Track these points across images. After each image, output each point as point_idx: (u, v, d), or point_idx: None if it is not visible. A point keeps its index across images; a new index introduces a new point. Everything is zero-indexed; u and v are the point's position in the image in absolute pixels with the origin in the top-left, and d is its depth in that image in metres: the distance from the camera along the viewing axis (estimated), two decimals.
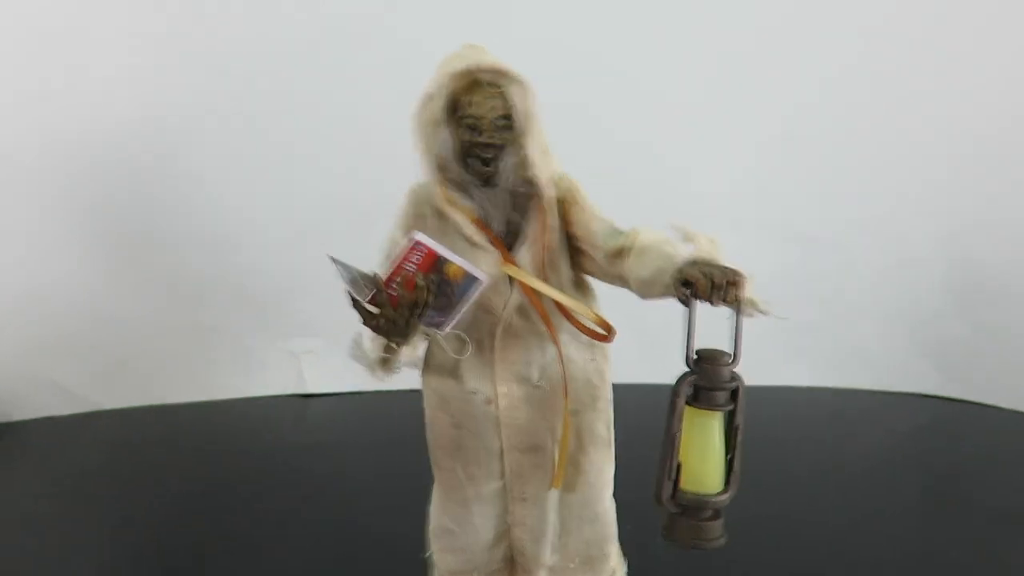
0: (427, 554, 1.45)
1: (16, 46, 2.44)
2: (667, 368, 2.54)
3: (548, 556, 1.37)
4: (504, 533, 1.39)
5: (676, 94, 2.61)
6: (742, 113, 2.62)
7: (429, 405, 1.34)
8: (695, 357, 1.10)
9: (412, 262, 1.14)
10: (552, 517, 1.36)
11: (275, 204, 2.67)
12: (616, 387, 1.38)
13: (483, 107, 1.18)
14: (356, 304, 1.14)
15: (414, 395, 1.38)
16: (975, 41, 2.52)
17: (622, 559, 1.46)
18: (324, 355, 2.77)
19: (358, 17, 2.53)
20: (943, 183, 2.65)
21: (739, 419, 1.12)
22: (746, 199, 2.69)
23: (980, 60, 2.53)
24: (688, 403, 1.10)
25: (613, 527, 1.41)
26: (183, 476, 2.31)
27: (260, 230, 2.68)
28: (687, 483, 1.11)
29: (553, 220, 1.25)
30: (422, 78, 1.23)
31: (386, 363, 1.25)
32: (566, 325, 1.29)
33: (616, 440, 1.39)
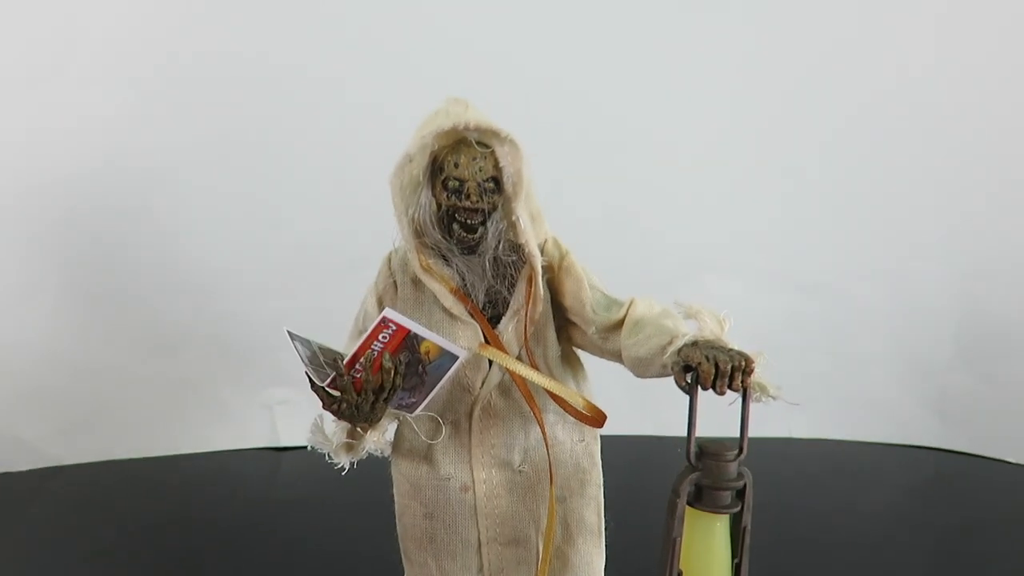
0: None
1: None
2: (660, 418, 2.42)
3: None
4: None
5: (680, 141, 2.52)
6: (747, 159, 2.53)
7: (399, 493, 1.21)
8: (697, 450, 0.97)
9: (380, 340, 1.02)
10: None
11: (249, 254, 2.56)
12: (604, 439, 1.25)
13: (469, 169, 1.05)
14: (315, 387, 1.01)
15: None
16: (987, 86, 2.44)
17: None
18: (298, 406, 2.63)
19: (336, 66, 2.43)
20: (953, 232, 2.56)
21: (746, 520, 0.99)
22: (750, 247, 2.59)
23: (993, 105, 2.44)
24: (689, 504, 0.97)
25: None
26: (147, 533, 2.17)
27: (233, 279, 2.56)
28: None
29: (541, 291, 1.13)
30: (405, 126, 1.11)
31: (350, 448, 1.11)
32: (552, 403, 1.16)
33: (607, 527, 1.26)
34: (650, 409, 2.55)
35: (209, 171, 2.49)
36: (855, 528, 2.17)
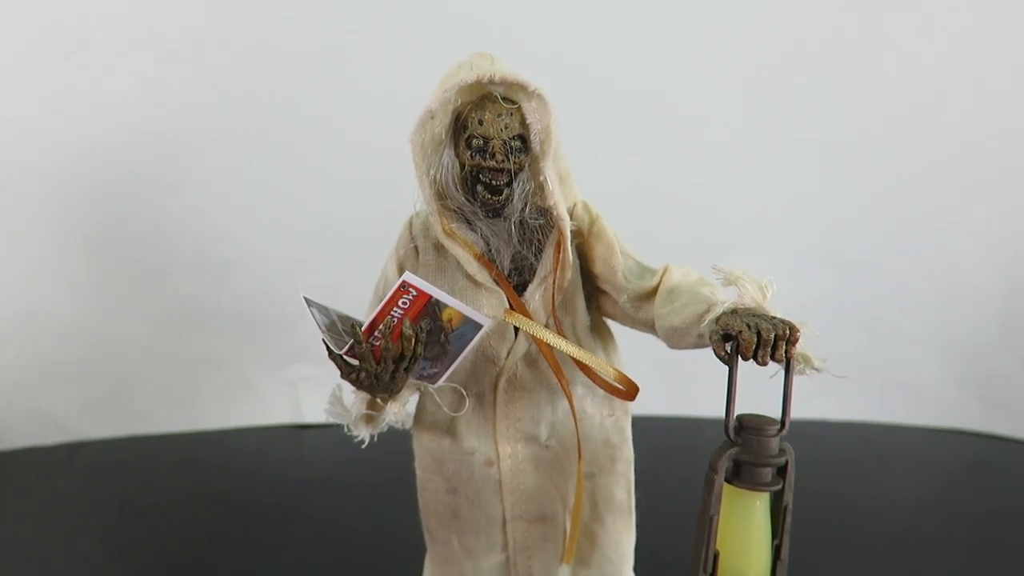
0: None
1: (12, 66, 2.33)
2: (689, 398, 2.35)
3: None
4: None
5: (709, 113, 2.44)
6: (782, 132, 2.45)
7: (421, 467, 1.16)
8: (736, 425, 0.91)
9: (400, 306, 0.96)
10: None
11: (274, 229, 2.52)
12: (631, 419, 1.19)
13: (494, 126, 0.99)
14: (333, 356, 0.96)
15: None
16: None
17: None
18: (323, 383, 2.60)
19: (357, 39, 2.38)
20: (996, 208, 2.45)
21: (788, 499, 0.93)
22: (783, 222, 2.51)
23: None
24: (728, 481, 0.91)
25: None
26: (170, 508, 2.16)
27: (259, 255, 2.53)
28: (726, 575, 0.92)
29: (570, 257, 1.06)
30: (424, 95, 1.04)
31: (370, 420, 1.07)
32: (581, 375, 1.10)
33: (637, 505, 1.21)
34: (680, 388, 2.49)
35: (234, 146, 2.45)
36: (890, 514, 2.10)
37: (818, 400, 2.61)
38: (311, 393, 2.67)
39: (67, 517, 2.16)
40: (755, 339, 0.86)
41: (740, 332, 0.86)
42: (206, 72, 2.40)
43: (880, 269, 2.58)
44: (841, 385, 2.61)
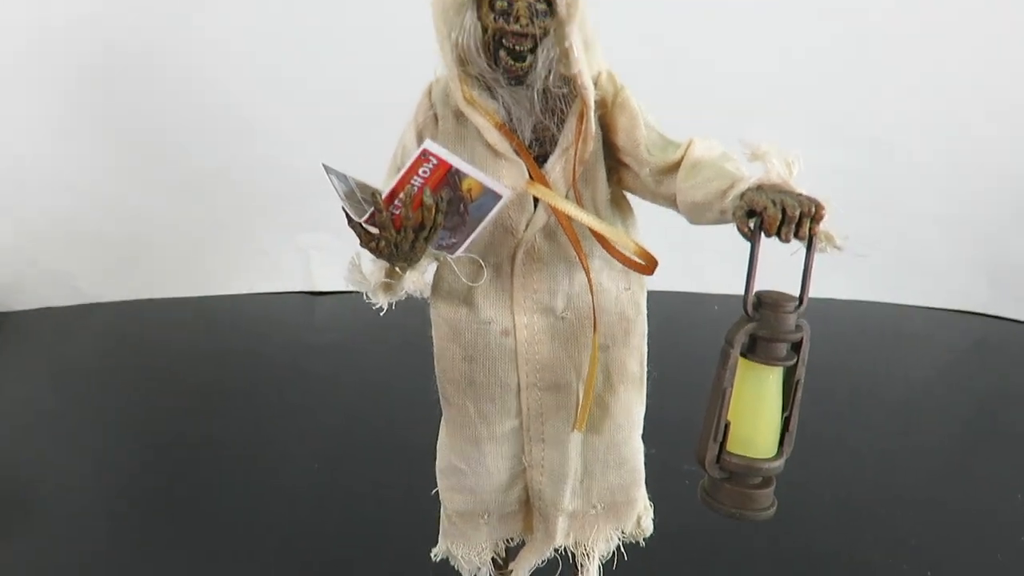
0: (435, 491, 1.32)
1: None
2: (699, 274, 2.36)
3: (569, 500, 1.24)
4: (520, 474, 1.25)
5: None
6: (797, 3, 2.35)
7: (438, 335, 1.17)
8: (755, 301, 0.92)
9: (420, 175, 0.95)
10: (574, 460, 1.21)
11: (289, 97, 2.49)
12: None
13: None
14: (352, 223, 0.96)
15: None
16: None
17: (648, 504, 1.32)
18: (334, 252, 2.62)
19: None
20: (1017, 87, 2.38)
21: (801, 374, 0.95)
22: (797, 98, 2.44)
23: None
24: (743, 355, 0.93)
25: (641, 471, 1.27)
26: (181, 371, 2.22)
27: (271, 124, 2.50)
28: (735, 445, 0.95)
29: (593, 128, 1.03)
30: None
31: (388, 288, 1.07)
32: (598, 249, 1.10)
33: (649, 376, 1.23)
34: (693, 267, 2.49)
35: (246, 13, 2.38)
36: (895, 390, 2.15)
37: (828, 279, 2.62)
38: (323, 261, 2.69)
39: (80, 375, 2.23)
40: (780, 215, 0.85)
41: (765, 208, 0.85)
42: None
43: (894, 148, 2.53)
44: (851, 264, 2.61)
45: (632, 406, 1.21)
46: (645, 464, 1.28)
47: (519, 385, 1.16)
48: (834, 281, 2.66)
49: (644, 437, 1.26)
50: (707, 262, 2.44)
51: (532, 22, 0.96)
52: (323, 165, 0.96)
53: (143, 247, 2.67)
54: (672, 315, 2.38)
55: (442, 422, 1.26)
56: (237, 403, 2.05)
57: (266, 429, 1.91)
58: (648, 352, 1.21)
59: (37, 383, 2.19)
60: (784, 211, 0.85)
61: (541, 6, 0.96)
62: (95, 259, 2.65)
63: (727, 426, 0.94)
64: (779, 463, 0.95)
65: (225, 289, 2.71)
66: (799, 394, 0.96)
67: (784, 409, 0.96)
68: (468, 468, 1.23)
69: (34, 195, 2.53)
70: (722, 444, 0.95)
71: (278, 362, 2.27)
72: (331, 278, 2.70)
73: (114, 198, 2.59)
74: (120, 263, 2.67)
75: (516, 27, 0.96)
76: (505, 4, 0.96)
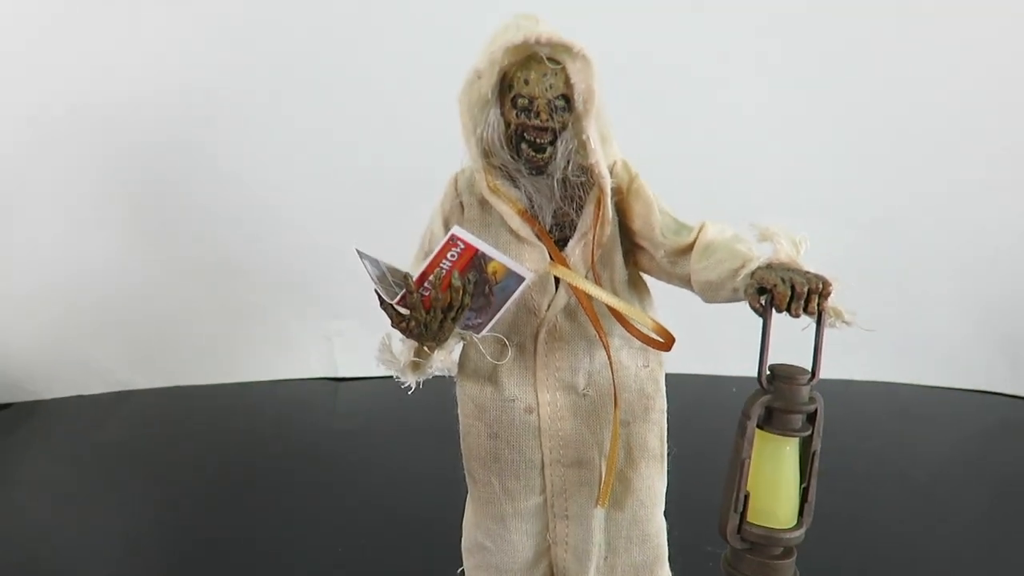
0: (460, 570, 1.33)
1: (53, 25, 2.37)
2: (716, 357, 2.39)
3: None
4: (544, 552, 1.27)
5: (738, 79, 2.45)
6: (807, 92, 2.45)
7: (464, 413, 1.21)
8: (769, 374, 0.96)
9: (448, 259, 1.01)
10: (598, 536, 1.22)
11: (313, 185, 2.58)
12: None
13: (539, 86, 1.02)
14: (384, 305, 1.01)
15: (450, 381, 1.25)
16: None
17: None
18: (356, 338, 2.67)
19: None
20: None
21: (816, 445, 0.98)
22: (811, 180, 2.52)
23: None
24: (759, 426, 0.96)
25: (664, 549, 1.28)
26: (210, 457, 2.25)
27: (296, 212, 2.59)
28: (756, 516, 0.97)
29: (610, 213, 1.10)
30: (468, 55, 1.08)
31: (417, 367, 1.12)
32: (618, 328, 1.15)
33: (670, 452, 1.26)
34: (704, 348, 2.52)
35: (272, 103, 2.51)
36: (915, 469, 2.14)
37: (845, 359, 2.64)
38: (345, 347, 2.74)
39: (112, 462, 2.26)
40: (789, 292, 0.90)
41: (775, 285, 0.91)
42: (244, 30, 2.44)
43: (907, 228, 2.58)
44: (867, 345, 2.64)
45: (654, 482, 1.23)
46: (668, 543, 1.29)
47: (543, 461, 1.20)
48: (853, 362, 2.68)
49: (667, 517, 1.27)
50: (724, 345, 2.48)
51: (551, 117, 1.04)
52: (356, 250, 1.02)
53: (170, 335, 2.74)
54: (690, 397, 2.39)
55: (468, 500, 1.28)
56: (263, 488, 2.07)
57: (292, 513, 1.93)
58: (668, 431, 1.24)
59: (70, 469, 2.23)
60: (793, 287, 0.90)
61: (560, 102, 1.04)
62: (125, 348, 2.72)
63: (747, 497, 0.97)
64: (799, 533, 0.98)
65: (251, 376, 2.76)
66: (816, 465, 0.98)
67: (802, 480, 0.99)
68: (494, 545, 1.25)
69: (66, 288, 2.60)
70: (743, 515, 0.97)
71: (303, 447, 2.30)
72: (353, 364, 2.75)
73: (142, 288, 2.66)
74: (149, 352, 2.73)
75: (536, 122, 1.04)
76: (526, 101, 1.04)
